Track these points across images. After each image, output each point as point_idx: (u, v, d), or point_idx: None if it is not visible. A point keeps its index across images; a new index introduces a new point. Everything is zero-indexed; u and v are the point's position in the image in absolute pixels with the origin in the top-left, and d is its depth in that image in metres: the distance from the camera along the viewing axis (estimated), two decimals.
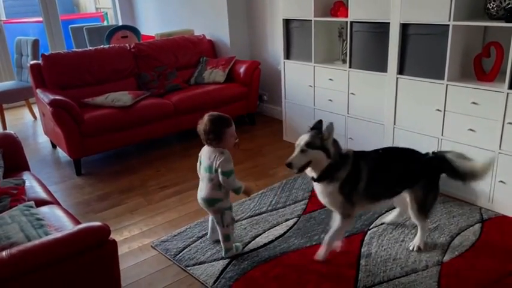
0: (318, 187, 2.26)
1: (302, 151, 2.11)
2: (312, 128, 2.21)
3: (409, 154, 2.40)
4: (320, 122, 2.25)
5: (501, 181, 2.73)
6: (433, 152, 2.41)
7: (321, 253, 2.36)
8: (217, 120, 2.30)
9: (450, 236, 2.53)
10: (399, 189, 2.38)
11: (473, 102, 2.76)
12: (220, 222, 2.41)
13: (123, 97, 3.92)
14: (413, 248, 2.43)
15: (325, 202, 2.28)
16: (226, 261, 2.44)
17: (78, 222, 2.01)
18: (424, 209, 2.37)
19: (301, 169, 2.14)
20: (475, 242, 2.48)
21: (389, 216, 2.72)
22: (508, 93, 2.58)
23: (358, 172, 2.21)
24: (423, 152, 2.43)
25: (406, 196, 2.40)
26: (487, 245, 2.46)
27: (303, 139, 2.13)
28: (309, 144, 2.10)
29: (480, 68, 2.83)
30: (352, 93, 3.53)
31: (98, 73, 4.25)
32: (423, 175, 2.34)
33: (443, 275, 2.24)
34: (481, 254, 2.38)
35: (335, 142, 2.18)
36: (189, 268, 2.40)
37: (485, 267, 2.28)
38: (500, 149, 2.69)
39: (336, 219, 2.30)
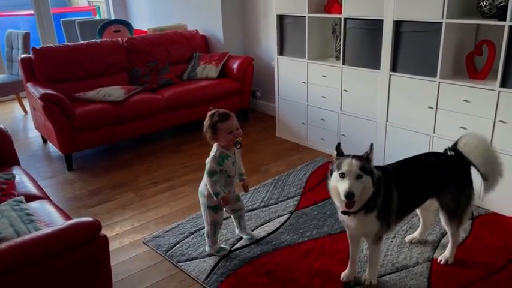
0: (351, 220, 1.96)
1: (358, 177, 1.79)
2: (338, 154, 1.92)
3: (425, 158, 2.21)
4: (339, 144, 1.96)
5: None
6: (449, 148, 2.22)
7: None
8: (212, 115, 2.28)
9: (441, 233, 2.55)
10: (426, 196, 2.20)
11: (465, 100, 2.78)
12: (203, 217, 2.43)
13: (115, 92, 3.89)
14: (442, 260, 2.29)
15: (360, 233, 2.06)
16: (218, 257, 2.43)
17: (68, 218, 1.99)
18: (455, 215, 2.18)
19: (352, 204, 1.83)
20: (465, 239, 2.50)
21: (414, 234, 2.49)
22: (499, 91, 2.60)
23: (389, 191, 1.97)
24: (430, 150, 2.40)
25: (431, 203, 2.26)
26: (476, 241, 2.48)
27: (354, 164, 1.80)
28: (363, 168, 1.79)
29: (472, 66, 2.85)
30: (345, 90, 3.53)
31: (90, 67, 4.21)
32: (448, 177, 2.14)
33: (434, 271, 2.26)
34: (471, 251, 2.40)
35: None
36: (180, 264, 2.40)
37: (475, 264, 2.30)
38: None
39: (369, 247, 2.11)
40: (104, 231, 1.69)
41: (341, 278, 2.21)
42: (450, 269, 2.26)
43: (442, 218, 2.23)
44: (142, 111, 3.95)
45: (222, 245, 2.51)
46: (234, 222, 2.59)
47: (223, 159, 2.27)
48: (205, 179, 2.32)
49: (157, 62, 4.49)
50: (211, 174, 2.25)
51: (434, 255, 2.38)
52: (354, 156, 1.86)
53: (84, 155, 3.99)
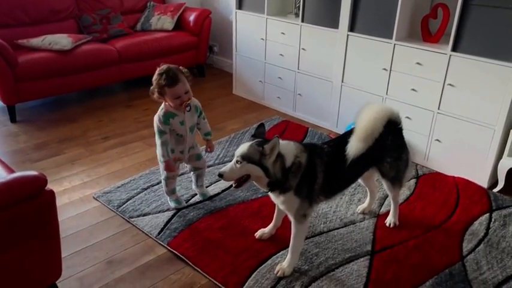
0: (271, 195, 1.98)
1: (237, 162, 1.82)
2: (253, 135, 1.92)
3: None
4: (262, 125, 1.97)
5: (437, 140, 2.88)
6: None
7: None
8: (160, 74, 2.15)
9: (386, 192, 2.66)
10: (363, 171, 2.19)
11: (418, 63, 2.84)
12: None
13: (61, 40, 3.65)
14: (390, 224, 2.35)
15: (282, 208, 2.01)
16: (171, 212, 2.43)
17: (12, 171, 1.88)
18: (396, 180, 2.23)
19: (239, 183, 1.87)
20: (409, 196, 2.64)
21: (364, 205, 2.49)
22: (450, 55, 2.67)
23: (313, 170, 1.93)
24: None
25: (371, 172, 2.26)
26: (419, 199, 2.63)
27: (240, 149, 1.83)
28: (245, 157, 1.81)
29: (427, 29, 2.90)
30: (303, 49, 3.51)
31: (34, 12, 3.89)
32: (383, 147, 2.10)
33: (379, 226, 2.38)
34: (414, 208, 2.54)
35: (280, 157, 1.83)
36: (132, 219, 2.37)
37: (417, 219, 2.44)
38: (438, 109, 2.82)
39: (292, 227, 2.00)
40: (51, 186, 1.62)
41: (255, 234, 2.25)
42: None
43: (385, 185, 2.27)
44: (91, 63, 3.74)
45: (180, 199, 2.51)
46: (192, 177, 2.58)
47: (168, 118, 2.22)
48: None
49: (108, 10, 4.23)
50: (159, 133, 2.24)
51: (380, 211, 2.50)
52: (252, 144, 1.83)
53: (29, 107, 3.77)
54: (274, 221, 2.26)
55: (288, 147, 1.89)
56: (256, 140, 1.86)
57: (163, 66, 2.20)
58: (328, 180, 1.98)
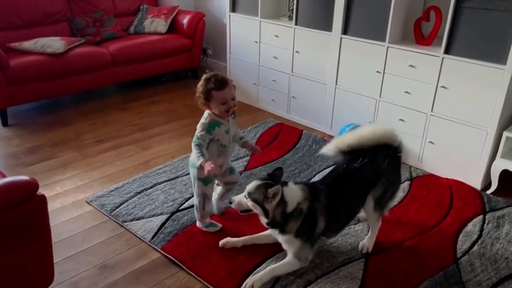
0: (271, 231, 2.06)
1: (245, 197, 1.97)
2: (268, 174, 2.02)
3: (359, 165, 2.07)
4: (279, 169, 2.03)
5: (430, 142, 2.89)
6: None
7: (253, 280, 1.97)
8: (207, 79, 2.09)
9: None
10: (363, 201, 2.12)
11: (411, 65, 2.85)
12: (193, 188, 2.28)
13: (54, 43, 3.62)
14: (363, 249, 2.19)
15: (284, 247, 2.06)
16: (165, 216, 2.41)
17: (3, 176, 1.87)
18: (379, 205, 2.13)
19: (243, 211, 2.04)
20: (403, 199, 2.65)
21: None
22: (443, 58, 2.69)
23: (314, 216, 1.98)
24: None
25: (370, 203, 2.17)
26: (414, 201, 2.63)
27: (250, 186, 1.96)
28: (250, 195, 1.95)
29: (419, 32, 2.91)
30: (297, 52, 3.51)
31: (26, 15, 3.87)
32: (380, 172, 2.09)
33: None
34: (408, 210, 2.55)
35: (282, 203, 1.91)
36: (126, 224, 2.36)
37: (411, 222, 2.45)
38: (432, 111, 2.83)
39: (288, 256, 2.04)
40: (43, 191, 1.61)
41: (220, 242, 2.19)
42: (388, 226, 2.38)
43: (367, 207, 2.14)
44: (84, 66, 3.72)
45: (213, 221, 2.34)
46: (220, 190, 2.42)
47: (213, 127, 2.10)
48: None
49: (101, 13, 4.21)
50: (195, 139, 2.08)
51: None
52: (261, 184, 1.94)
53: (22, 110, 3.74)
54: (251, 239, 2.21)
55: (293, 194, 1.96)
56: (266, 182, 1.95)
57: (209, 73, 2.13)
58: (330, 223, 2.04)
